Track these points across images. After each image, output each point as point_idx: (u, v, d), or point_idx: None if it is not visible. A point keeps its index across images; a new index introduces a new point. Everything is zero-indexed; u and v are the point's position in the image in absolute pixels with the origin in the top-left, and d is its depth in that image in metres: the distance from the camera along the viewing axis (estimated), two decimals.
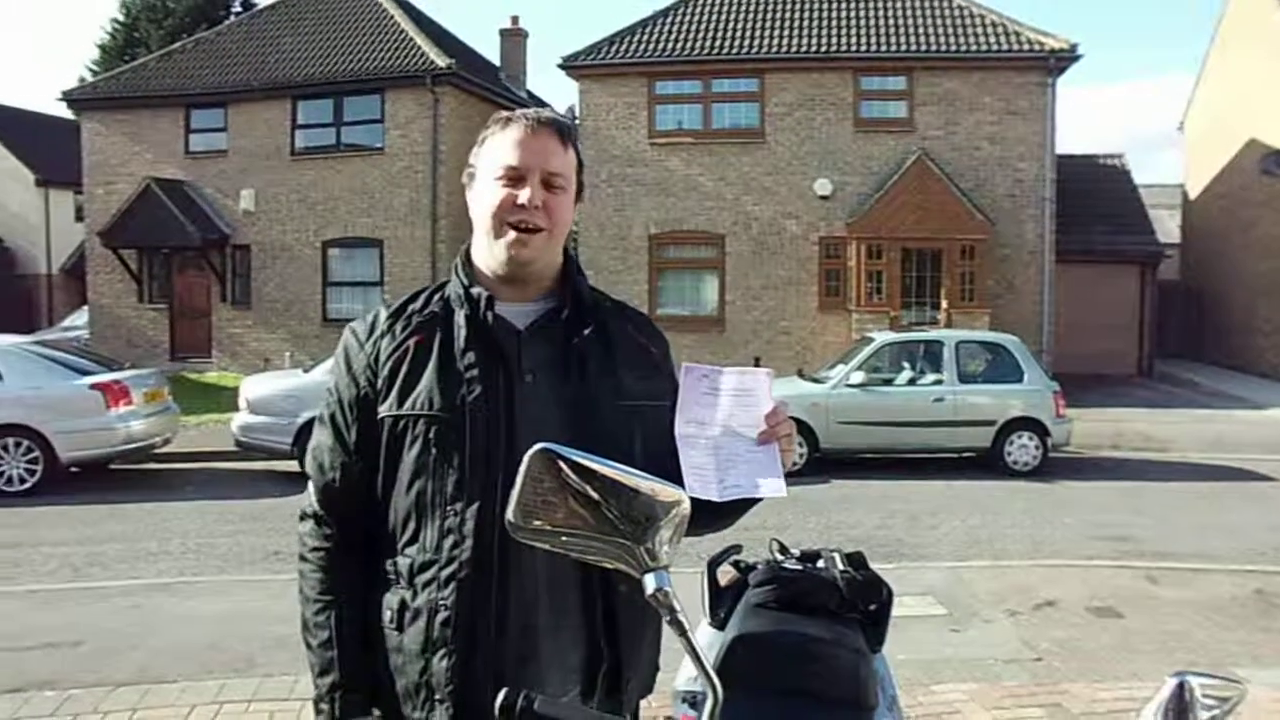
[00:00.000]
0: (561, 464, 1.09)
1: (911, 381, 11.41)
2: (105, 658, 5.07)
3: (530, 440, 1.57)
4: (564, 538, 1.13)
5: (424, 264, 19.53)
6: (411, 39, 20.29)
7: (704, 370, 1.49)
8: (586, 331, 1.66)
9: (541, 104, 23.44)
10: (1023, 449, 10.84)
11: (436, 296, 1.71)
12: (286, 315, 20.53)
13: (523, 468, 1.12)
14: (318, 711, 1.67)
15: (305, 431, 10.14)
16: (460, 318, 1.64)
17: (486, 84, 21.35)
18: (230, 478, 10.88)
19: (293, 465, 10.43)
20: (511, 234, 1.62)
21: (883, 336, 12.27)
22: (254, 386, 11.06)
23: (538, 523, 1.12)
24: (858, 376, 11.22)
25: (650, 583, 1.11)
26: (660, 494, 1.10)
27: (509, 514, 1.13)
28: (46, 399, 9.91)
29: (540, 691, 1.21)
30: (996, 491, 9.87)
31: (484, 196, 1.66)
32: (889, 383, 11.42)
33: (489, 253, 1.67)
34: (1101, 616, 5.74)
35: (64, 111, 25.08)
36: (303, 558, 1.70)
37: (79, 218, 24.29)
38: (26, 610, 6.03)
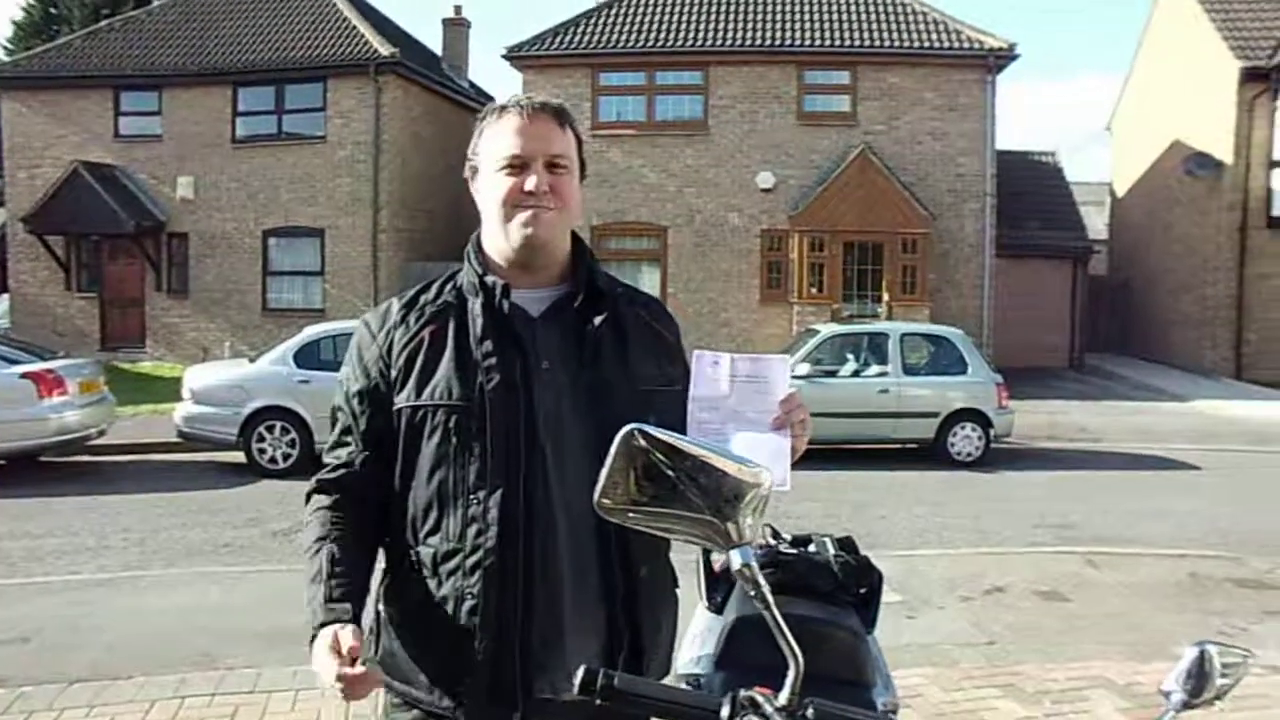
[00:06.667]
0: (651, 444, 1.11)
1: (856, 373, 11.56)
2: (56, 654, 4.93)
3: (549, 427, 1.60)
4: (652, 517, 1.15)
5: (365, 253, 19.30)
6: (354, 27, 19.98)
7: (715, 356, 1.51)
8: (599, 318, 1.67)
9: (484, 95, 23.23)
10: (966, 440, 11.02)
11: (449, 285, 1.71)
12: (226, 305, 20.12)
13: (613, 448, 1.14)
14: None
15: (251, 422, 9.97)
16: (476, 306, 1.65)
17: (429, 74, 21.13)
18: (171, 470, 10.60)
19: (238, 457, 10.23)
20: (523, 213, 1.63)
21: (828, 328, 12.39)
22: (198, 376, 10.81)
23: (626, 503, 1.14)
24: (803, 368, 11.28)
25: (737, 559, 1.14)
26: (745, 473, 1.13)
27: (596, 494, 1.15)
28: None
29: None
30: (941, 481, 10.09)
31: (491, 188, 1.67)
32: (833, 374, 11.53)
33: (502, 239, 1.67)
34: (1048, 600, 5.92)
35: None
36: (305, 522, 1.68)
37: None
38: None
